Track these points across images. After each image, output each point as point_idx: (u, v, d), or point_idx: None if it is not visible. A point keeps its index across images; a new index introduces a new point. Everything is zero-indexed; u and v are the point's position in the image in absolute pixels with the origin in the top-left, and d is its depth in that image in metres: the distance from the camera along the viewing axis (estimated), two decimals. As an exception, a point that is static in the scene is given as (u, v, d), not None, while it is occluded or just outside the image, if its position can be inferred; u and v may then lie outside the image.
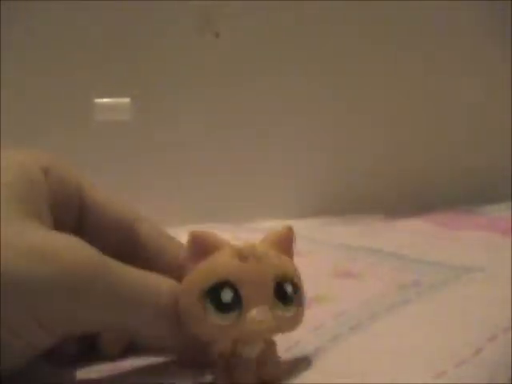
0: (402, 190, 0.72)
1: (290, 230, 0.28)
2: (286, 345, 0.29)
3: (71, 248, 0.23)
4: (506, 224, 0.57)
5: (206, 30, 0.65)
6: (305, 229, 0.61)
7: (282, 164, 0.70)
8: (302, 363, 0.28)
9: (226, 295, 0.25)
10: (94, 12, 0.62)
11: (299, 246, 0.53)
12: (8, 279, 0.21)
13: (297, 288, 0.27)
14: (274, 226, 0.65)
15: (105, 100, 0.63)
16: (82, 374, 0.28)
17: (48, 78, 0.62)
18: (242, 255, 0.25)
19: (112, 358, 0.29)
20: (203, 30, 0.65)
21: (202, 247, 0.26)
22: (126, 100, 0.64)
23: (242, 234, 0.51)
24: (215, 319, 0.25)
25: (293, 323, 0.26)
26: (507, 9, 0.69)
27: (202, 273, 0.25)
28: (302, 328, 0.27)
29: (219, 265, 0.25)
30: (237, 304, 0.25)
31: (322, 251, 0.51)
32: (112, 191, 0.31)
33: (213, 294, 0.25)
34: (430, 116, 0.75)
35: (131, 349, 0.30)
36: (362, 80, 0.71)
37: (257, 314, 0.25)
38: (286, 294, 0.26)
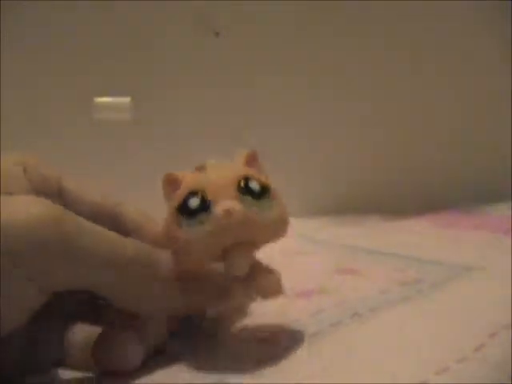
0: (401, 190, 0.72)
1: (253, 151, 0.29)
2: (284, 324, 0.29)
3: (37, 202, 0.24)
4: (506, 224, 0.56)
5: (206, 30, 0.65)
6: (305, 229, 0.61)
7: (282, 165, 0.70)
8: (299, 343, 0.28)
9: (193, 202, 0.26)
10: (94, 12, 0.62)
11: (300, 245, 0.53)
12: None
13: (265, 186, 0.27)
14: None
15: (105, 99, 0.63)
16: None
17: (48, 78, 0.62)
18: (203, 168, 0.28)
19: None
20: (203, 30, 0.65)
21: (171, 184, 0.28)
22: (126, 99, 0.64)
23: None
24: (186, 227, 0.25)
25: (273, 216, 0.27)
26: (507, 9, 0.70)
27: (174, 199, 0.27)
28: (302, 311, 0.26)
29: (184, 184, 0.27)
30: (206, 208, 0.26)
31: (324, 251, 0.51)
32: (109, 189, 0.31)
33: (183, 208, 0.26)
34: (430, 116, 0.75)
35: None
36: (363, 80, 0.71)
37: (222, 205, 0.25)
38: (252, 189, 0.26)
